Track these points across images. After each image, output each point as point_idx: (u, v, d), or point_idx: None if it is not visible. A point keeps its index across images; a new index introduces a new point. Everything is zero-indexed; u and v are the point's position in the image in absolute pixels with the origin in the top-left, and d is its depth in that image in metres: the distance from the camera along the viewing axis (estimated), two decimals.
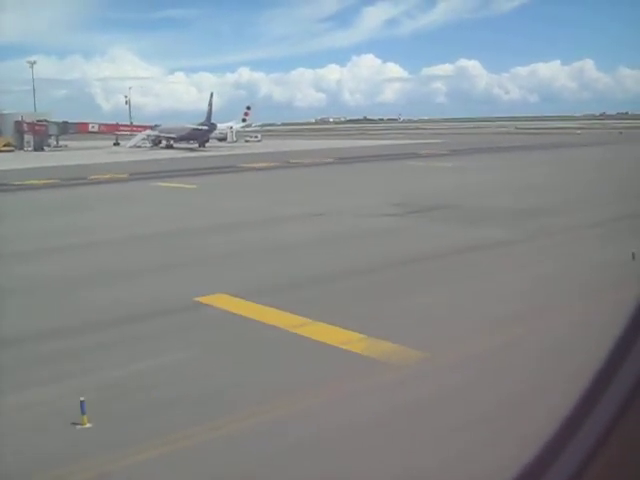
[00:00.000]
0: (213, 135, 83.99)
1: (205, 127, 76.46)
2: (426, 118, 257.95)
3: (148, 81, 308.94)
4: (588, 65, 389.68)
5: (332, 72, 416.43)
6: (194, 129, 76.89)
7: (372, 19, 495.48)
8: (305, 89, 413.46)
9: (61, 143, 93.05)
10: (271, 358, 9.10)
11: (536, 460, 1.69)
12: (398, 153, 57.30)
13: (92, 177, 40.95)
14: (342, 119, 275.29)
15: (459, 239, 17.42)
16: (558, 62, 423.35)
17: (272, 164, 48.56)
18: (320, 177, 38.65)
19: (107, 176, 41.38)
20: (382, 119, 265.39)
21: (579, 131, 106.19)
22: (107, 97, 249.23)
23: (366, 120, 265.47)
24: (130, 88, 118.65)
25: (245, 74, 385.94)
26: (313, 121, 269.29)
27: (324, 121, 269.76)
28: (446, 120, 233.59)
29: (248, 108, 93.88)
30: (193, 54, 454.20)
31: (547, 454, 1.68)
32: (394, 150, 62.73)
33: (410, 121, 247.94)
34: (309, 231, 19.44)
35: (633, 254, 13.58)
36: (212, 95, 79.08)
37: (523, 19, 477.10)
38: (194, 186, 34.14)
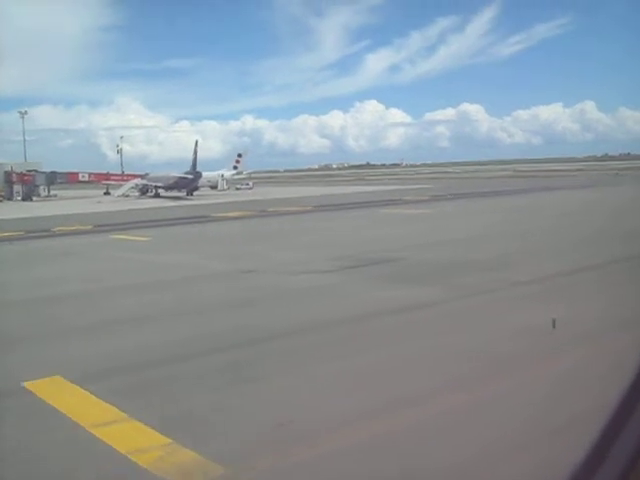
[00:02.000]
0: (205, 183, 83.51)
1: (190, 176, 75.62)
2: (429, 162, 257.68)
3: (153, 130, 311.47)
4: (589, 106, 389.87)
5: (335, 118, 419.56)
6: (180, 178, 76.29)
7: (374, 66, 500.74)
8: (309, 135, 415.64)
9: (52, 193, 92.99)
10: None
11: None
12: (382, 200, 56.12)
13: (57, 229, 39.71)
14: (345, 165, 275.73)
15: (380, 300, 15.56)
16: (560, 104, 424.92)
17: (248, 213, 47.39)
18: (283, 227, 37.08)
19: (72, 228, 40.14)
20: (385, 164, 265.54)
21: (576, 173, 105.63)
22: (113, 146, 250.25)
23: (369, 166, 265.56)
24: (122, 137, 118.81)
25: (249, 122, 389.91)
26: (316, 167, 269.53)
27: (327, 167, 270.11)
28: (449, 164, 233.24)
29: (239, 155, 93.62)
30: (197, 103, 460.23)
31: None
32: (380, 196, 61.57)
33: (413, 166, 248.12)
34: (221, 292, 17.68)
35: (554, 321, 11.77)
36: (197, 143, 78.67)
37: (523, 63, 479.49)
38: (148, 238, 32.78)
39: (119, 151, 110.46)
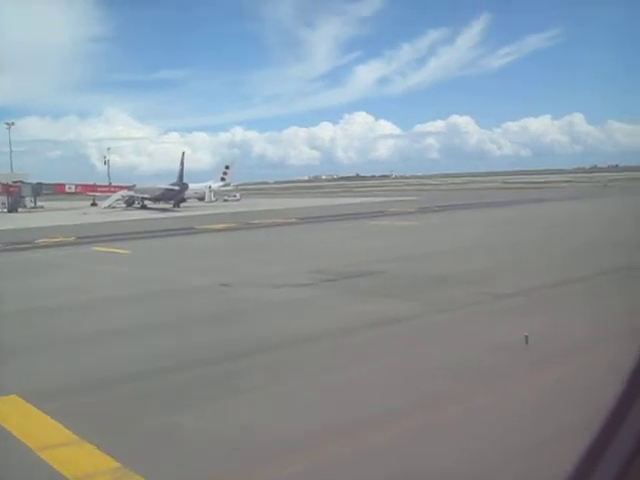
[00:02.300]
0: (192, 194, 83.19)
1: (177, 187, 75.21)
2: (419, 174, 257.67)
3: (143, 141, 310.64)
4: (578, 119, 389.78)
5: (325, 130, 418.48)
6: (166, 189, 75.93)
7: (364, 77, 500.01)
8: (299, 147, 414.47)
9: (39, 204, 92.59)
10: None
11: None
12: (366, 212, 55.85)
13: (40, 241, 39.16)
14: (335, 176, 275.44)
15: (359, 314, 15.11)
16: (548, 117, 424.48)
17: (232, 225, 46.98)
18: (266, 240, 36.61)
19: (56, 239, 39.60)
20: (374, 176, 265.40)
21: (564, 185, 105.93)
22: (101, 157, 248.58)
23: (359, 177, 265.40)
24: (109, 149, 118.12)
25: (239, 133, 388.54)
26: (306, 179, 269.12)
27: (316, 179, 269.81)
28: (439, 176, 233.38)
29: (227, 167, 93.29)
30: (187, 114, 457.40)
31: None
32: (365, 208, 61.27)
33: (403, 177, 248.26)
34: (194, 308, 17.15)
35: (526, 337, 11.33)
36: (183, 154, 78.49)
37: (512, 75, 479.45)
38: (127, 251, 32.23)
39: (106, 162, 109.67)
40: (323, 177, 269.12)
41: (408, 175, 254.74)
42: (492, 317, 14.32)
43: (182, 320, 15.48)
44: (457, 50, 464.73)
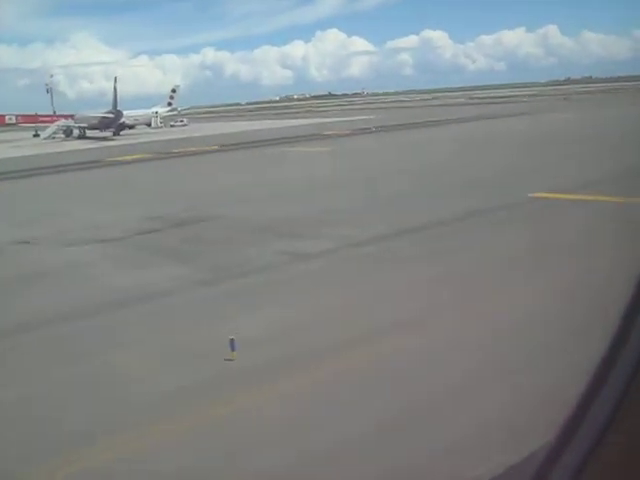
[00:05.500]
0: (142, 120, 79.66)
1: (111, 115, 71.35)
2: (392, 91, 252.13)
3: (112, 66, 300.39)
4: (552, 31, 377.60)
5: (297, 48, 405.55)
6: (102, 117, 72.14)
7: None
8: (271, 67, 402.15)
9: None
10: None
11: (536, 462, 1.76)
12: (298, 135, 53.23)
13: None
14: (307, 95, 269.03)
15: (115, 288, 12.44)
16: (523, 29, 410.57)
17: (147, 155, 44.41)
18: (150, 176, 33.36)
19: None
20: (346, 94, 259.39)
21: (525, 99, 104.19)
22: (71, 84, 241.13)
23: (331, 95, 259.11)
24: (51, 76, 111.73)
25: (210, 54, 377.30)
26: (277, 99, 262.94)
27: (288, 98, 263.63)
28: (412, 92, 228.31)
29: (173, 91, 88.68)
30: (156, 36, 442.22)
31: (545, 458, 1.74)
32: (300, 131, 58.16)
33: (375, 94, 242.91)
34: None
35: (231, 342, 8.47)
36: (116, 80, 74.31)
37: None
38: None
39: (49, 90, 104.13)
40: (295, 97, 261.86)
41: (381, 92, 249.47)
42: (253, 298, 11.22)
43: None
44: None
